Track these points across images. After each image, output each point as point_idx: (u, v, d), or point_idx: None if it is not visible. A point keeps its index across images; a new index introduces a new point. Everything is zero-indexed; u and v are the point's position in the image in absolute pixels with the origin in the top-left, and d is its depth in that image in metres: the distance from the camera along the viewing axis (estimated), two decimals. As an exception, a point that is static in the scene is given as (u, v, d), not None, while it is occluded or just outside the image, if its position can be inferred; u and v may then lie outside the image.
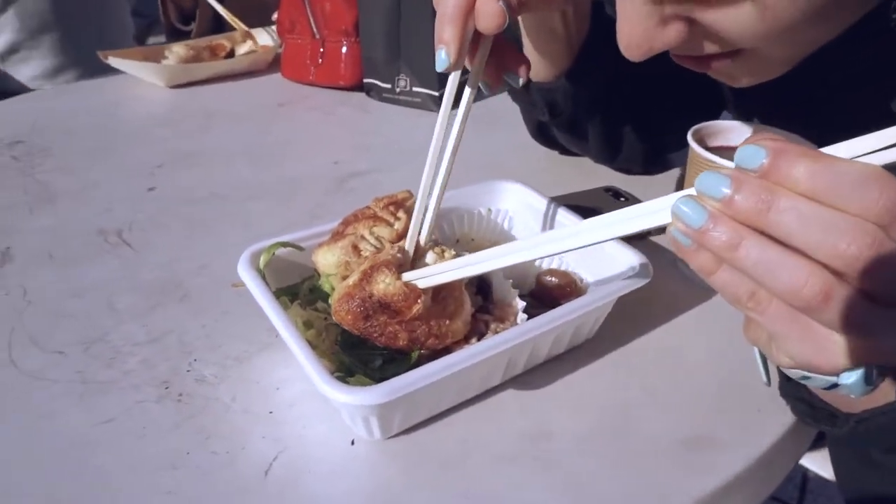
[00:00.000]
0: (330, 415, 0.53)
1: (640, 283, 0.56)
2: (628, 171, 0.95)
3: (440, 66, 0.51)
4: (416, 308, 0.49)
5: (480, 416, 0.54)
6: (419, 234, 0.55)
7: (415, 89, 1.22)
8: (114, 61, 1.29)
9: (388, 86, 1.24)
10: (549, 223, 0.67)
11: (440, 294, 0.52)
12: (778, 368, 0.46)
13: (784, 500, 1.65)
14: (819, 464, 1.24)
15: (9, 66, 1.51)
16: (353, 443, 0.51)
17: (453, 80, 0.53)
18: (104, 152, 1.02)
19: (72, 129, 1.11)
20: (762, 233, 0.34)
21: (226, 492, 0.47)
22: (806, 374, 0.39)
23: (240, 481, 0.48)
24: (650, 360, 0.60)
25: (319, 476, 0.48)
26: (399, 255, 0.53)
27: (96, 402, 0.54)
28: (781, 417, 0.55)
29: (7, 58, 1.50)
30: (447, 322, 0.51)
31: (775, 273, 0.33)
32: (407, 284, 0.50)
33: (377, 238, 0.56)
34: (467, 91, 0.55)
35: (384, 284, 0.49)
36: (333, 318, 0.52)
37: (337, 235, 0.58)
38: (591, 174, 0.94)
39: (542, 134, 0.96)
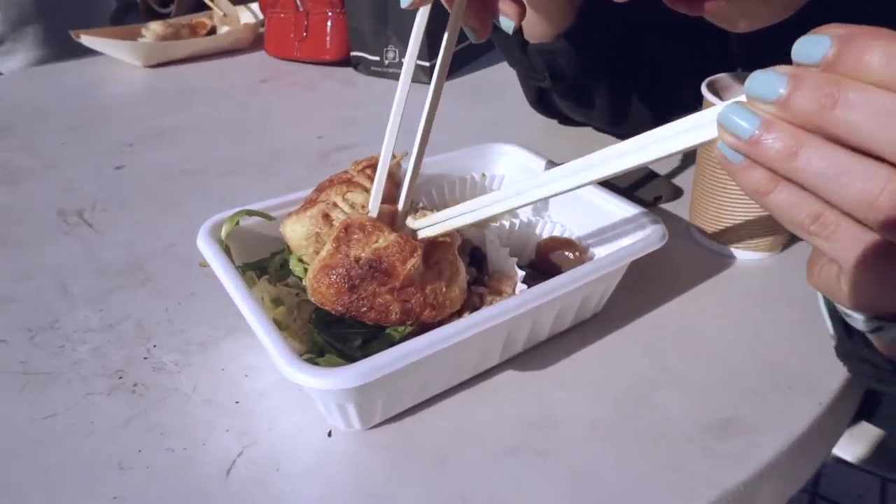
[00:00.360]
0: (304, 405, 0.47)
1: (654, 246, 0.50)
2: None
3: (404, 2, 0.45)
4: (412, 262, 0.42)
5: (476, 402, 0.47)
6: (399, 200, 0.48)
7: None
8: (87, 40, 1.22)
9: (377, 58, 1.17)
10: (549, 188, 0.60)
11: (432, 258, 0.45)
12: (836, 323, 0.39)
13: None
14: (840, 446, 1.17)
15: None
16: (329, 434, 0.45)
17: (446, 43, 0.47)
18: (72, 132, 0.95)
19: (39, 108, 1.04)
20: (826, 137, 0.27)
21: (180, 495, 0.40)
22: (879, 323, 0.33)
23: (198, 482, 0.41)
24: (666, 336, 0.54)
25: (290, 474, 0.42)
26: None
27: (39, 396, 0.48)
28: (817, 395, 0.48)
29: None
30: (443, 289, 0.44)
31: (843, 182, 0.27)
32: (401, 235, 0.43)
33: (351, 205, 0.49)
34: (446, 37, 0.48)
35: (379, 242, 0.43)
36: (311, 297, 0.45)
37: (308, 203, 0.51)
38: (594, 144, 0.87)
39: (542, 102, 0.90)
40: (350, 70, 1.21)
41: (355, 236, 0.43)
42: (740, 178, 0.30)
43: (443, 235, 0.46)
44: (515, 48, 0.76)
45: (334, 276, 0.43)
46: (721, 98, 0.60)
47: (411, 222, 0.46)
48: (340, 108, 1.05)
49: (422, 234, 0.46)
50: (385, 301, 0.43)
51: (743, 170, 0.30)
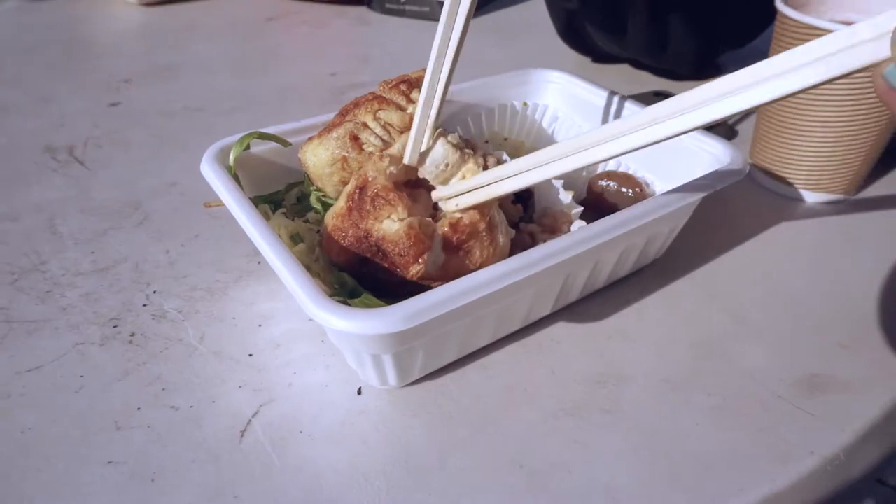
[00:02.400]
0: (328, 357, 0.40)
1: (732, 178, 0.42)
2: (676, 75, 0.80)
3: None
4: (416, 270, 0.35)
5: (526, 357, 0.41)
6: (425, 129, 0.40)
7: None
8: (78, -26, 1.13)
9: (392, -6, 1.08)
10: (605, 121, 0.53)
11: (454, 238, 0.36)
12: None
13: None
14: None
15: None
16: (359, 392, 0.38)
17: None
18: (63, 68, 0.87)
19: (29, 44, 0.96)
20: None
21: (187, 460, 0.34)
22: None
23: (207, 445, 0.35)
24: (736, 284, 0.47)
25: (314, 437, 0.36)
26: (392, 167, 0.37)
27: (21, 346, 0.41)
28: (918, 350, 0.42)
29: None
30: (476, 266, 0.37)
31: None
32: (411, 226, 0.35)
33: (384, 126, 0.42)
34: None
35: (385, 224, 0.36)
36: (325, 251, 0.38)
37: (332, 126, 0.44)
38: (632, 81, 0.79)
39: (573, 33, 0.81)
40: (363, 9, 1.12)
41: (367, 205, 0.36)
42: None
43: (478, 206, 0.37)
44: None
45: (344, 243, 0.36)
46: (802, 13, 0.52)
47: (439, 151, 0.38)
48: (354, 46, 0.97)
49: (460, 203, 0.37)
50: (401, 281, 0.36)
51: None
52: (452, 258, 0.37)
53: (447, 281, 0.33)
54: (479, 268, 0.35)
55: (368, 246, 0.36)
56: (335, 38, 1.02)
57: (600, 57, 0.85)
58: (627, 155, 0.46)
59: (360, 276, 0.37)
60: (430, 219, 0.37)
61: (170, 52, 0.93)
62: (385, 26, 1.06)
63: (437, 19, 1.12)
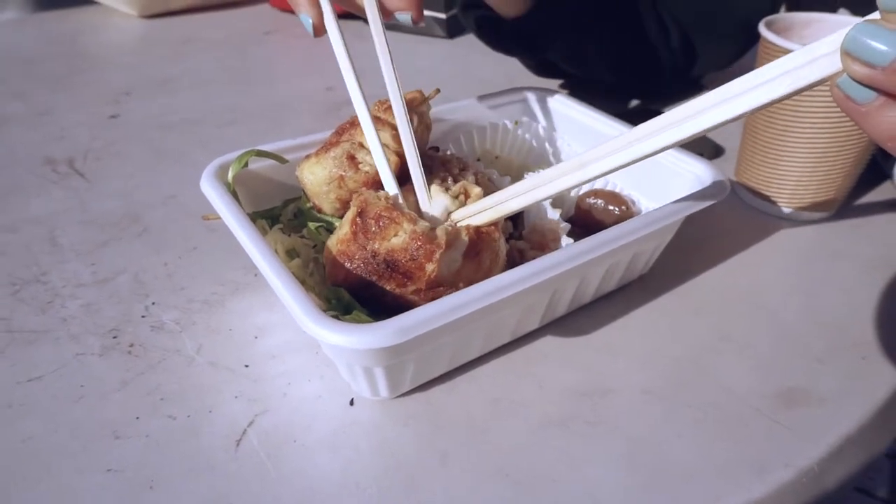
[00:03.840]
0: (322, 368, 0.42)
1: (714, 198, 0.44)
2: (662, 93, 0.81)
3: (309, 27, 0.43)
4: (431, 268, 0.36)
5: (514, 369, 0.42)
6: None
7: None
8: (79, -14, 1.14)
9: (388, 10, 1.10)
10: (594, 139, 0.54)
11: (475, 248, 0.38)
12: None
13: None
14: None
15: None
16: (352, 403, 0.39)
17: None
18: (63, 80, 0.88)
19: (30, 56, 0.98)
20: None
21: (183, 468, 0.35)
22: None
23: (203, 454, 0.36)
24: (719, 300, 0.49)
25: (308, 447, 0.37)
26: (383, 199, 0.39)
27: (23, 356, 0.42)
28: (892, 364, 0.43)
29: None
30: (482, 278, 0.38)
31: None
32: (417, 233, 0.36)
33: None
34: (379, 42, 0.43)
35: (394, 240, 0.36)
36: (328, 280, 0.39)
37: (329, 145, 0.45)
38: (622, 100, 0.81)
39: (545, 67, 0.81)
40: (360, 23, 1.13)
41: (371, 227, 0.37)
42: (872, 121, 0.24)
43: (490, 224, 0.39)
44: (493, 38, 0.71)
45: (350, 267, 0.37)
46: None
47: (450, 207, 0.40)
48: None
49: (474, 222, 0.38)
50: (409, 300, 0.37)
51: (876, 110, 0.24)
52: (467, 264, 0.38)
53: (457, 287, 0.35)
54: (486, 276, 0.36)
55: (376, 266, 0.37)
56: (332, 51, 1.03)
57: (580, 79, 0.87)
58: (615, 174, 0.48)
59: (366, 301, 0.38)
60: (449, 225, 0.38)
61: (169, 65, 0.95)
62: (381, 41, 1.07)
63: (432, 34, 1.14)
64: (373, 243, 0.37)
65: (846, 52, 0.23)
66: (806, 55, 0.26)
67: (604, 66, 0.76)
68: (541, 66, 0.80)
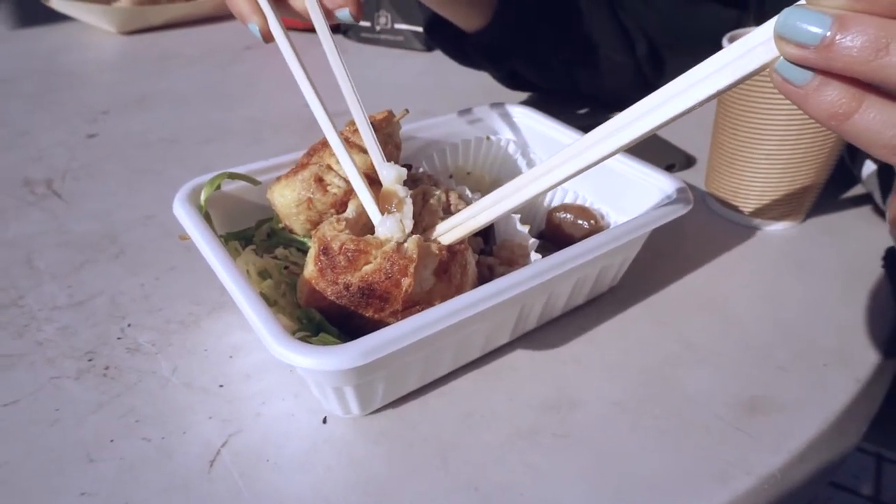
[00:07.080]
0: (296, 386, 0.42)
1: (679, 211, 0.45)
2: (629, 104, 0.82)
3: (256, 32, 0.46)
4: (407, 283, 0.36)
5: (485, 384, 0.43)
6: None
7: (397, 26, 1.09)
8: (57, 4, 1.14)
9: (368, 24, 1.11)
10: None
11: (446, 266, 0.38)
12: None
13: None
14: None
15: None
16: (324, 421, 0.40)
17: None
18: (40, 99, 0.89)
19: (6, 76, 0.98)
20: None
21: (157, 489, 0.36)
22: None
23: (177, 475, 0.37)
24: (687, 311, 0.50)
25: (281, 465, 0.37)
26: (347, 231, 0.38)
27: (-1, 380, 0.43)
28: (853, 371, 0.45)
29: None
30: (455, 294, 0.38)
31: None
32: (388, 254, 0.36)
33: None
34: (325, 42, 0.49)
35: (366, 268, 0.36)
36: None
37: (299, 167, 0.46)
38: (593, 115, 0.82)
39: (514, 78, 0.82)
40: (340, 37, 1.15)
41: (339, 263, 0.36)
42: (812, 102, 0.25)
43: (460, 241, 0.39)
44: (458, 52, 0.74)
45: (325, 304, 0.37)
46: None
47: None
48: (330, 75, 0.99)
49: (444, 241, 0.39)
50: (388, 323, 0.37)
51: (815, 91, 0.25)
52: (439, 283, 0.38)
53: (432, 304, 0.36)
54: (458, 293, 0.37)
55: (351, 297, 0.37)
56: (311, 66, 1.04)
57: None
58: (584, 188, 0.49)
59: (351, 330, 0.38)
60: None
61: (147, 82, 0.95)
62: (361, 55, 1.08)
63: (411, 48, 1.15)
64: (344, 276, 0.36)
65: (779, 36, 0.25)
66: (743, 46, 0.27)
67: (569, 75, 0.77)
68: (511, 79, 0.81)
